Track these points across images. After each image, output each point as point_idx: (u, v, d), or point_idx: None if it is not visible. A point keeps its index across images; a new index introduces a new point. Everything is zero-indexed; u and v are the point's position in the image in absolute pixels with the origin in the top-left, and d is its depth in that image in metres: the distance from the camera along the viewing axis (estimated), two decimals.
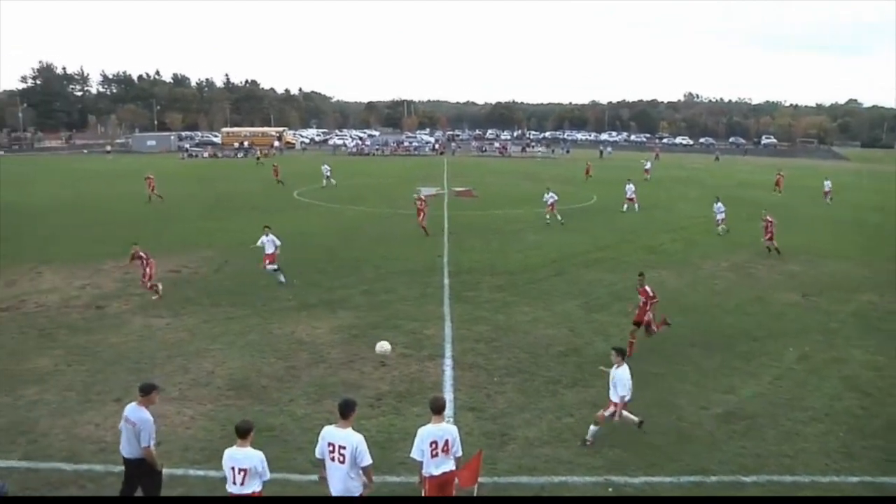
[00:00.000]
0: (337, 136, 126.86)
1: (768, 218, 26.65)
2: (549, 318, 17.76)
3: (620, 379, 10.64)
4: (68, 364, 14.16)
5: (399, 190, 46.15)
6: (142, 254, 19.67)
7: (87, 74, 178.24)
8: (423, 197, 30.16)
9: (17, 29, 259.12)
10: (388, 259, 24.54)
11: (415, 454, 8.09)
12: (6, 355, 14.62)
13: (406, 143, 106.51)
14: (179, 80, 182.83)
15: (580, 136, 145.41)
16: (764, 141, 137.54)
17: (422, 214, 29.64)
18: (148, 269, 19.42)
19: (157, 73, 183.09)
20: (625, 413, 10.91)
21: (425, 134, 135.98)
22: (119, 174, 57.37)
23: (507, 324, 17.20)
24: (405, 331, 16.42)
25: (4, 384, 13.07)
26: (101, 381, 13.19)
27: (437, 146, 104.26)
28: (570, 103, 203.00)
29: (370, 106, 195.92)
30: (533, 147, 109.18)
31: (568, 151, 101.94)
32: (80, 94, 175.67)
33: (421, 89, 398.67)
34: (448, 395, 12.35)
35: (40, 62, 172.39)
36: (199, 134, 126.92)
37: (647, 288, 15.17)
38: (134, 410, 8.47)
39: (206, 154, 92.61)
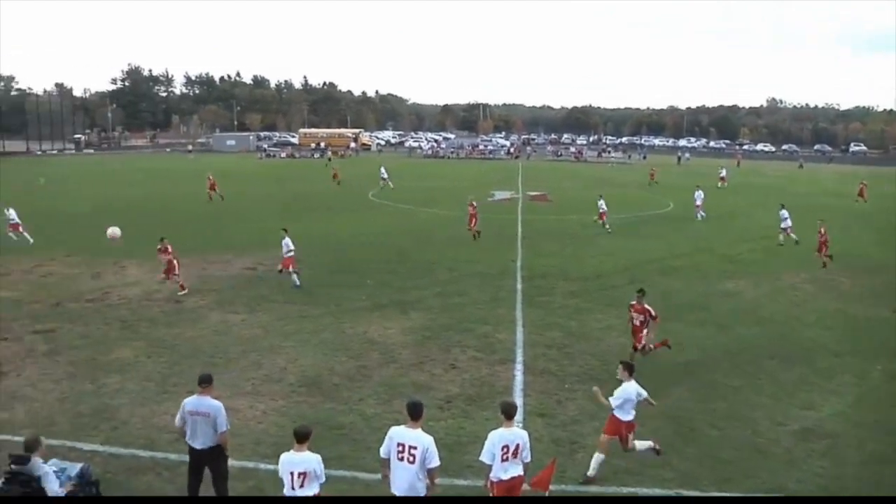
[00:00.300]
0: (412, 138, 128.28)
1: (822, 230, 25.64)
2: (622, 326, 17.44)
3: (626, 395, 9.80)
4: (148, 356, 14.82)
5: (473, 193, 46.27)
6: (168, 248, 20.69)
7: (172, 76, 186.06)
8: (475, 203, 30.15)
9: (108, 34, 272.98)
10: (460, 262, 24.70)
11: (484, 457, 8.12)
12: (91, 345, 15.43)
13: (481, 147, 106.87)
14: (259, 82, 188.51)
15: (657, 141, 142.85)
16: (853, 148, 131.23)
17: (473, 220, 29.55)
18: (174, 263, 20.41)
19: (238, 74, 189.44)
20: (637, 443, 10.12)
21: (501, 137, 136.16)
22: (199, 173, 59.15)
23: (579, 330, 17.08)
24: (477, 334, 16.50)
25: (90, 372, 13.82)
26: (178, 372, 13.75)
27: (512, 150, 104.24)
28: (648, 108, 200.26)
29: (446, 109, 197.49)
30: (609, 152, 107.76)
31: (644, 157, 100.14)
32: (164, 95, 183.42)
33: (497, 93, 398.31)
34: (518, 400, 12.34)
35: (129, 65, 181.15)
36: (278, 134, 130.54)
37: (647, 306, 14.23)
38: (202, 401, 8.76)
39: (283, 154, 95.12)
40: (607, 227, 32.25)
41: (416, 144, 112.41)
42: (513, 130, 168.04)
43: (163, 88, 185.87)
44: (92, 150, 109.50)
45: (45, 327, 16.69)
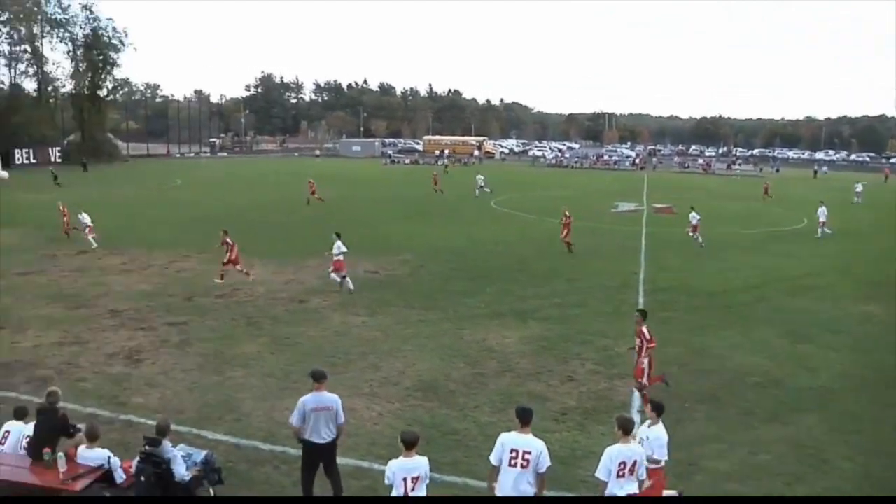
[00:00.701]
0: (536, 147, 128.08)
1: None
2: (747, 345, 16.83)
3: (657, 441, 8.81)
4: (271, 352, 15.59)
5: (597, 204, 45.71)
6: (228, 240, 22.46)
7: (302, 83, 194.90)
8: (568, 213, 29.54)
9: (244, 44, 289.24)
10: (581, 272, 24.47)
11: (600, 473, 8.01)
12: (219, 338, 16.39)
13: (606, 157, 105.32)
14: (386, 89, 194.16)
15: (791, 153, 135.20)
16: None
17: (566, 230, 29.00)
18: (231, 255, 22.21)
19: (365, 81, 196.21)
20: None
21: (626, 148, 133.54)
22: (326, 177, 61.44)
23: (701, 347, 16.53)
24: (596, 347, 16.30)
25: (217, 365, 14.70)
26: (299, 370, 14.32)
27: (637, 161, 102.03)
28: (783, 119, 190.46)
29: (570, 118, 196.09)
30: (739, 164, 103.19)
31: (777, 170, 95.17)
32: (294, 101, 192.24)
33: (623, 102, 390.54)
34: (636, 417, 12.08)
35: (262, 73, 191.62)
36: (402, 141, 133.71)
37: (645, 329, 12.88)
38: (322, 397, 9.14)
39: (407, 161, 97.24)
40: (700, 240, 30.97)
41: (539, 153, 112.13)
42: (638, 141, 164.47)
43: (293, 95, 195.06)
44: (225, 154, 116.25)
45: (178, 320, 17.92)
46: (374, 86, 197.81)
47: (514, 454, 7.81)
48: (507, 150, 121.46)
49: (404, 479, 7.76)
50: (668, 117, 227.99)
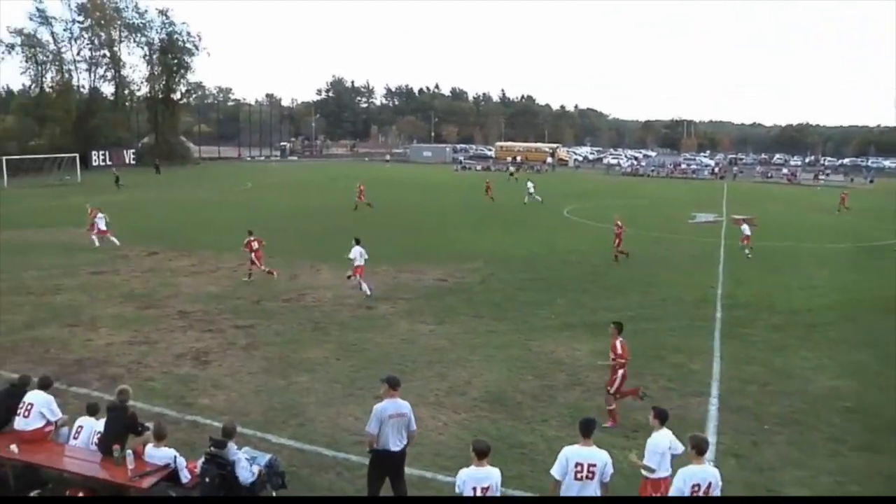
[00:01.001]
0: (611, 154, 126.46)
1: None
2: (834, 367, 16.16)
3: (651, 447, 8.72)
4: (337, 358, 15.79)
5: (673, 214, 44.86)
6: (254, 241, 23.64)
7: (373, 88, 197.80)
8: (620, 223, 29.02)
9: (316, 48, 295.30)
10: (655, 285, 24.00)
11: (673, 493, 7.85)
12: (285, 343, 16.70)
13: (683, 166, 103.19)
14: (457, 94, 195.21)
15: (888, 163, 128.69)
16: None
17: (618, 240, 28.55)
18: (256, 254, 23.48)
19: (437, 86, 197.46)
20: None
21: (705, 156, 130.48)
22: (397, 182, 62.37)
23: (783, 368, 15.97)
24: (669, 363, 15.96)
25: (282, 369, 14.98)
26: (365, 377, 14.49)
27: (716, 170, 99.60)
28: (879, 126, 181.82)
29: (647, 125, 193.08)
30: (827, 174, 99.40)
31: (871, 181, 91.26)
32: (365, 105, 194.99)
33: (702, 109, 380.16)
34: (711, 437, 11.75)
35: (333, 77, 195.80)
36: (474, 147, 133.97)
37: (618, 343, 12.64)
38: (397, 403, 9.21)
39: (478, 167, 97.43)
40: (747, 251, 30.12)
41: (614, 161, 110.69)
42: (718, 149, 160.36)
43: (364, 99, 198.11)
44: (295, 158, 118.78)
45: (246, 323, 18.35)
46: (445, 90, 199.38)
47: (578, 467, 7.77)
48: (580, 158, 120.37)
49: (473, 489, 7.78)
50: (750, 125, 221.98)
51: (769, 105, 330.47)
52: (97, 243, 29.51)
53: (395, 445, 9.19)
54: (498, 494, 7.91)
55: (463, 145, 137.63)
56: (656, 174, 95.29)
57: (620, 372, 12.63)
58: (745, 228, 31.11)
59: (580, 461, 7.78)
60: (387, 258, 27.10)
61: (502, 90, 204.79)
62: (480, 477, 7.82)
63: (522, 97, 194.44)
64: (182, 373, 14.72)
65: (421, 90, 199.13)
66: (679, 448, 8.69)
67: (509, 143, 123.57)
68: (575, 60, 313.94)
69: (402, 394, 9.52)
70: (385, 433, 9.12)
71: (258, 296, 21.37)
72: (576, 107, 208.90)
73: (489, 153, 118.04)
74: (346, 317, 19.30)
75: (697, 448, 7.93)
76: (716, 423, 12.80)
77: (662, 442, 8.73)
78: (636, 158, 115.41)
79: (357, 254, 21.62)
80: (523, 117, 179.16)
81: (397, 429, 9.17)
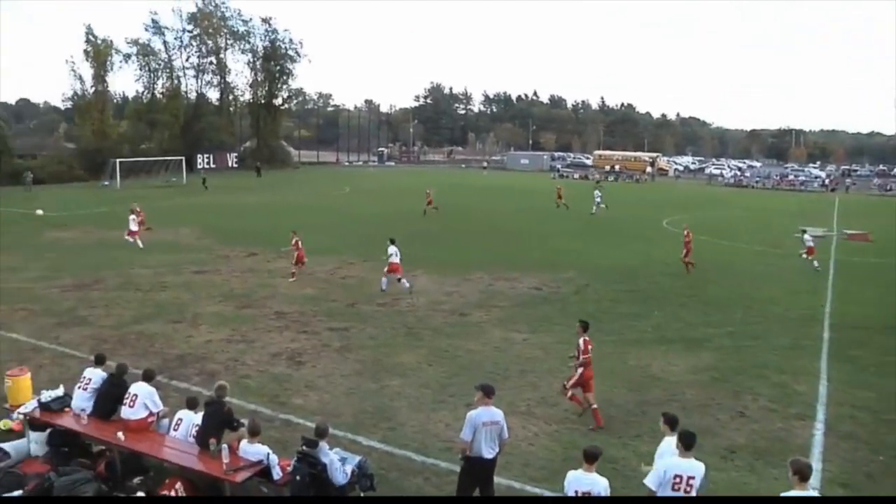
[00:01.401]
0: (713, 164, 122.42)
1: None
2: None
3: (658, 455, 8.52)
4: (429, 363, 15.97)
5: (779, 227, 43.17)
6: (298, 242, 25.03)
7: (471, 94, 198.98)
8: (688, 232, 28.21)
9: (415, 54, 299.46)
10: (759, 301, 23.15)
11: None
12: (378, 346, 17.02)
13: (791, 177, 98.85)
14: (556, 102, 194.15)
15: None
16: None
17: (687, 251, 27.78)
18: (297, 254, 24.85)
19: (535, 93, 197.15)
20: None
21: (814, 167, 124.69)
22: (494, 189, 62.58)
23: None
24: (772, 383, 15.36)
25: (375, 372, 15.28)
26: (456, 384, 14.60)
27: (827, 182, 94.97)
28: None
29: (753, 134, 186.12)
30: None
31: None
32: (462, 112, 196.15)
33: (813, 117, 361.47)
34: (815, 464, 11.25)
35: (431, 83, 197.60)
36: (572, 155, 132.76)
37: (581, 341, 13.22)
38: (491, 411, 9.32)
39: (576, 175, 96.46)
40: (816, 264, 28.69)
41: (717, 171, 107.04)
42: (830, 159, 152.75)
43: (461, 106, 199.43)
44: (393, 163, 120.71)
45: (340, 325, 18.80)
46: (543, 98, 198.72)
47: (678, 479, 7.70)
48: (681, 168, 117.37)
49: (575, 492, 7.96)
50: (867, 134, 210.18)
51: (890, 112, 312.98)
52: (140, 244, 30.72)
53: (489, 453, 9.27)
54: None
55: (561, 153, 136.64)
56: (761, 185, 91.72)
57: (580, 370, 13.20)
58: (808, 239, 29.65)
59: (680, 473, 7.70)
60: (482, 265, 27.31)
61: (601, 98, 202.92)
62: (587, 482, 7.96)
63: (622, 105, 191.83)
64: (277, 372, 15.21)
65: (519, 97, 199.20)
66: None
67: (607, 152, 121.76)
68: (678, 68, 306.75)
69: (493, 400, 9.57)
70: (478, 440, 9.21)
71: (353, 299, 21.86)
72: (677, 115, 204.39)
73: (587, 162, 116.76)
74: (440, 323, 19.49)
75: (799, 474, 7.53)
76: (821, 449, 12.25)
77: (665, 448, 8.52)
78: (740, 169, 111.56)
79: (393, 252, 23.09)
80: (623, 126, 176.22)
81: (491, 436, 9.26)
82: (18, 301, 21.24)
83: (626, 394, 14.50)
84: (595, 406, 13.06)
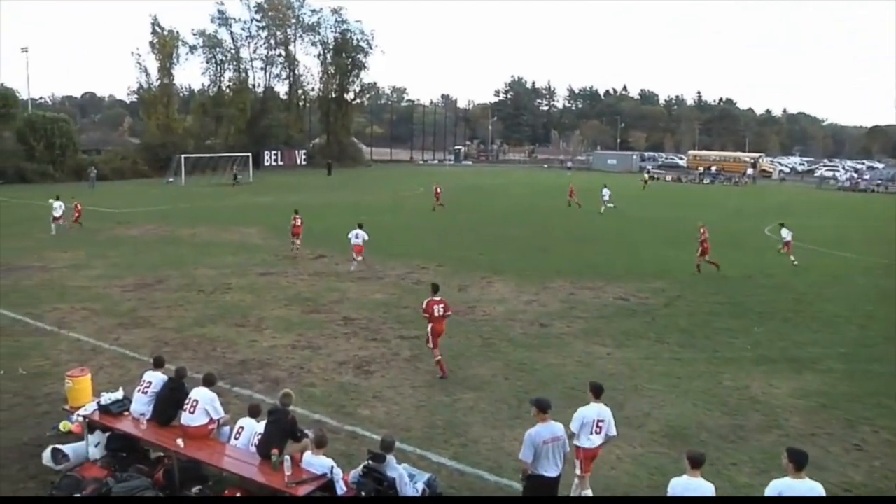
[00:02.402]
0: (825, 166, 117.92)
1: None
2: None
3: (580, 418, 10.39)
4: (505, 377, 15.93)
5: None
6: (299, 220, 30.89)
7: (554, 89, 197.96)
8: (704, 230, 29.46)
9: (495, 46, 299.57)
10: (876, 319, 22.19)
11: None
12: (451, 357, 17.02)
13: None
14: (647, 97, 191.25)
15: None
16: None
17: (702, 249, 29.07)
18: (294, 229, 30.74)
19: (625, 88, 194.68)
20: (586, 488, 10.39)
21: None
22: (578, 191, 61.82)
23: None
24: (894, 413, 14.71)
25: (447, 385, 15.34)
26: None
27: None
28: None
29: (875, 131, 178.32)
30: None
31: None
32: (545, 108, 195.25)
33: None
34: None
35: (512, 77, 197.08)
36: (663, 155, 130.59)
37: (426, 301, 16.34)
38: (552, 427, 9.35)
39: (668, 178, 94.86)
40: (793, 258, 30.00)
41: (829, 174, 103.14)
42: None
43: (544, 101, 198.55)
44: (470, 162, 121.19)
45: (411, 333, 18.93)
46: (634, 92, 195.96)
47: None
48: (787, 169, 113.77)
49: None
50: None
51: None
52: (54, 231, 35.09)
53: (552, 471, 9.28)
54: None
55: (651, 153, 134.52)
56: (883, 189, 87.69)
57: (429, 326, 16.00)
58: (785, 233, 31.95)
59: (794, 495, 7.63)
60: (565, 272, 27.18)
61: (698, 92, 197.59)
62: (693, 487, 8.05)
63: (721, 100, 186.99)
64: (343, 381, 15.42)
65: (607, 92, 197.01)
66: (604, 418, 10.38)
67: (703, 152, 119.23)
68: (784, 59, 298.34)
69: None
70: (540, 459, 9.24)
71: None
72: (784, 111, 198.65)
73: (680, 162, 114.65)
74: (518, 334, 19.42)
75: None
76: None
77: (587, 412, 10.37)
78: (856, 170, 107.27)
79: (353, 235, 27.53)
80: (721, 123, 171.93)
81: (553, 454, 9.28)
82: (80, 300, 22.16)
83: (721, 417, 14.12)
84: (439, 358, 16.00)
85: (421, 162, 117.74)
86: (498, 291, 24.28)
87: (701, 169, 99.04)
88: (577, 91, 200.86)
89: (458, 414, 13.81)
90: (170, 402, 11.24)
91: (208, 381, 11.33)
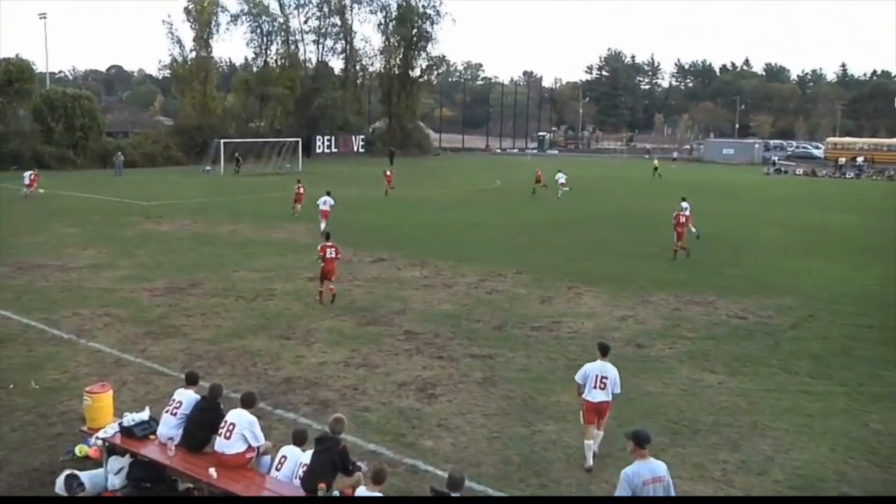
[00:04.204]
0: None
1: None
2: None
3: (584, 373, 13.43)
4: None
5: None
6: (301, 189, 41.67)
7: (659, 64, 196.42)
8: (682, 213, 33.40)
9: (588, 14, 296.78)
10: None
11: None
12: (532, 381, 16.97)
13: None
14: (774, 72, 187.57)
15: None
16: None
17: (677, 235, 32.21)
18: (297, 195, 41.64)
19: (746, 62, 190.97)
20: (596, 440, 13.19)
21: None
22: (687, 186, 60.97)
23: None
24: None
25: (525, 413, 15.22)
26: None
27: None
28: None
29: None
30: None
31: None
32: (647, 87, 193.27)
33: None
34: None
35: (608, 50, 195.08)
36: (794, 143, 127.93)
37: (320, 246, 23.72)
38: (652, 465, 9.26)
39: (799, 171, 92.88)
40: (694, 230, 34.39)
41: None
42: None
43: (646, 80, 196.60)
44: (556, 151, 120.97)
45: (483, 352, 18.90)
46: (757, 67, 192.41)
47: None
48: None
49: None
50: None
51: None
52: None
53: None
54: None
55: (779, 141, 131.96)
56: None
57: (321, 266, 23.46)
58: (685, 208, 34.76)
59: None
60: (668, 283, 26.80)
61: (842, 66, 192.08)
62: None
63: (872, 74, 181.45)
64: (404, 406, 15.44)
65: (724, 67, 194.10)
66: (608, 374, 13.26)
67: (846, 139, 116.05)
68: None
69: (674, 462, 9.33)
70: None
71: (501, 320, 21.93)
72: None
73: (816, 152, 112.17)
74: (611, 355, 19.13)
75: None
76: None
77: (589, 368, 13.32)
78: None
79: (322, 202, 36.55)
80: (871, 103, 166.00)
81: (655, 492, 9.17)
82: (102, 304, 22.75)
83: (868, 468, 13.60)
84: (322, 290, 23.35)
85: (498, 150, 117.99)
86: (587, 304, 24.08)
87: (843, 160, 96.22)
88: (686, 66, 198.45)
89: (537, 448, 13.68)
90: (202, 424, 11.32)
91: (247, 402, 11.36)
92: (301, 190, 41.75)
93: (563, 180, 54.62)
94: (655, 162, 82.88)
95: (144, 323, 20.97)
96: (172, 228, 37.68)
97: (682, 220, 32.89)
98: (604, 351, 13.61)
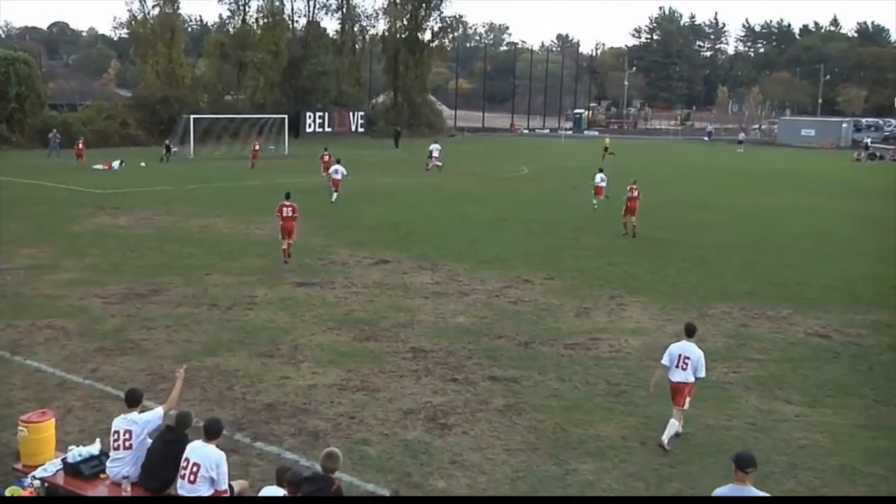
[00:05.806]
0: None
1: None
2: None
3: (669, 354, 15.70)
4: (642, 441, 15.64)
5: None
6: (326, 157, 48.10)
7: (723, 26, 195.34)
8: (634, 188, 37.28)
9: None
10: None
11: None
12: (564, 409, 16.93)
13: None
14: (869, 34, 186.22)
15: None
16: None
17: (626, 208, 37.03)
18: (324, 166, 47.67)
19: (834, 22, 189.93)
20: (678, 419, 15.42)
21: None
22: (763, 173, 60.98)
23: None
24: None
25: (556, 448, 15.17)
26: (683, 475, 14.23)
27: None
28: None
29: None
30: None
31: None
32: (708, 54, 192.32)
33: None
34: None
35: (660, 10, 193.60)
36: (893, 123, 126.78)
37: (284, 204, 29.38)
38: (748, 492, 9.31)
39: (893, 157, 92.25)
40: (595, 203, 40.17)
41: None
42: None
43: (706, 45, 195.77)
44: (596, 132, 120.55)
45: (507, 374, 18.88)
46: (847, 28, 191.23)
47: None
48: None
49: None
50: None
51: None
52: None
53: None
54: None
55: (874, 119, 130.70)
56: None
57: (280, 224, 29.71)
58: (599, 178, 44.17)
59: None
60: (731, 293, 26.69)
61: None
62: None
63: None
64: (410, 438, 15.42)
65: (805, 29, 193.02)
66: (693, 356, 15.23)
67: None
68: None
69: None
70: None
71: (528, 335, 21.90)
72: None
73: None
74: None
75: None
76: None
77: (672, 349, 15.50)
78: None
79: (333, 171, 44.15)
80: None
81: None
82: (43, 315, 22.74)
83: None
84: (285, 247, 29.25)
85: (525, 131, 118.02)
86: (633, 317, 24.02)
87: None
88: (757, 28, 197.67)
89: (570, 492, 13.63)
90: (166, 460, 11.15)
91: (211, 433, 10.96)
92: (327, 158, 49.91)
93: (436, 153, 61.05)
94: (607, 141, 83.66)
95: (96, 337, 20.96)
96: (131, 222, 37.77)
97: (635, 193, 37.28)
98: (689, 332, 15.76)
